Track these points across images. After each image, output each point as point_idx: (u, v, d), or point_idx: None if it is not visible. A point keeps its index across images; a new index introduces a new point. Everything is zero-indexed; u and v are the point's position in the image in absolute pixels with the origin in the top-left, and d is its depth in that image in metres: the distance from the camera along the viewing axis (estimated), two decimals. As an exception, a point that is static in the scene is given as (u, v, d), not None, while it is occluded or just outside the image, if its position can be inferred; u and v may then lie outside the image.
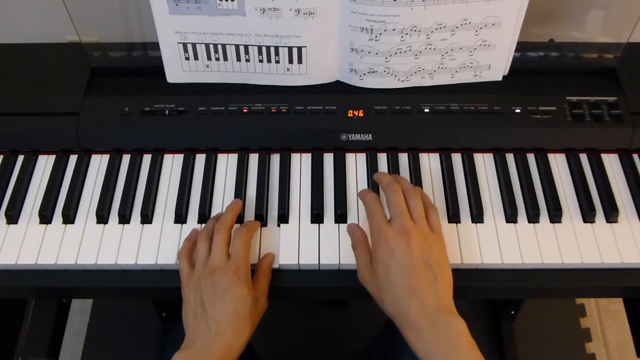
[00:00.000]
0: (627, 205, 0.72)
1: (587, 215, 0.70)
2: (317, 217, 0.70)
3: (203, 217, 0.71)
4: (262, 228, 0.70)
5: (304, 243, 0.69)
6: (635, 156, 0.76)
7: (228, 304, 0.60)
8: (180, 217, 0.71)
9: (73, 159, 0.76)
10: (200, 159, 0.76)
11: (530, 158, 0.76)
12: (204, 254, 0.64)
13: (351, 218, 0.71)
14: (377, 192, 0.71)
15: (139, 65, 0.81)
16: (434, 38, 0.72)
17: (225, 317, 0.60)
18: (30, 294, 0.76)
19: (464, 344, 0.54)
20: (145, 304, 1.32)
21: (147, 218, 0.71)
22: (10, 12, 0.87)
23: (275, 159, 0.76)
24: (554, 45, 0.83)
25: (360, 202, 0.72)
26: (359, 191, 0.68)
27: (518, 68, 0.78)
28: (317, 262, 0.67)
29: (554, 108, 0.76)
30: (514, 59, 0.77)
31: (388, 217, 0.62)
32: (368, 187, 0.73)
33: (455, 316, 0.56)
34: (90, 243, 0.69)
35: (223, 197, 0.73)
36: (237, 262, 0.62)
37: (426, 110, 0.76)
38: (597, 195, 0.73)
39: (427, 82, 0.78)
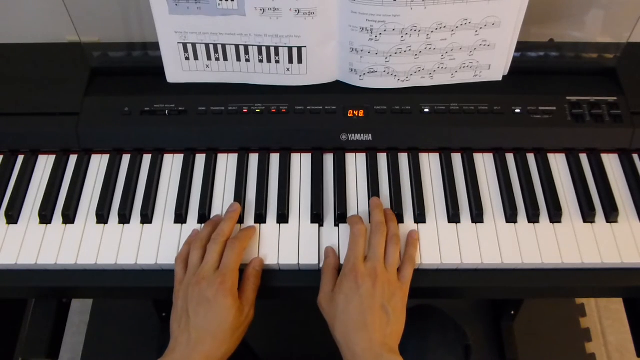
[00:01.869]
0: (627, 205, 0.72)
1: (587, 215, 0.70)
2: (317, 217, 0.70)
3: (203, 217, 0.71)
4: (262, 228, 0.70)
5: (304, 243, 0.69)
6: (635, 156, 0.76)
7: (211, 314, 0.61)
8: (180, 217, 0.71)
9: (73, 159, 0.76)
10: (200, 159, 0.76)
11: (530, 158, 0.76)
12: (196, 262, 0.64)
13: (351, 218, 0.71)
14: (378, 195, 0.72)
15: (139, 65, 0.81)
16: (434, 38, 0.72)
17: (207, 327, 0.60)
18: (30, 294, 0.76)
19: None
20: (145, 304, 1.31)
21: (147, 218, 0.71)
22: (10, 12, 0.87)
23: (275, 159, 0.76)
24: (554, 45, 0.83)
25: (360, 202, 0.72)
26: (349, 216, 0.70)
27: (518, 68, 0.78)
28: (317, 262, 0.67)
29: (554, 108, 0.76)
30: (514, 59, 0.77)
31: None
32: (368, 187, 0.73)
33: (398, 357, 0.59)
34: (90, 243, 0.69)
35: (223, 197, 0.73)
36: (225, 273, 0.63)
37: (426, 110, 0.76)
38: (597, 195, 0.73)
39: (427, 82, 0.78)
